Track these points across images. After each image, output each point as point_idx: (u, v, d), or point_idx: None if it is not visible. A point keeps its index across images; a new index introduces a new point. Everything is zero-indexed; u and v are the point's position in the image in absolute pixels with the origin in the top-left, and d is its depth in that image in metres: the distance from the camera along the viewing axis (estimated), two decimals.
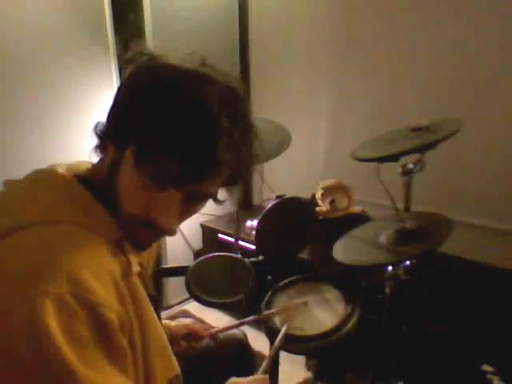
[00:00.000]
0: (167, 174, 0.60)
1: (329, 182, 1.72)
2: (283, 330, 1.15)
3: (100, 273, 0.58)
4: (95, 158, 0.72)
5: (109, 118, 0.67)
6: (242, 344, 1.26)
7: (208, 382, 0.83)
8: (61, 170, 0.68)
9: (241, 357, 1.23)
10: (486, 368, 1.39)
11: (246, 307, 1.41)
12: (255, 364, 1.26)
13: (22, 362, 0.50)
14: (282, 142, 1.55)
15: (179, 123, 0.58)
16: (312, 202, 1.71)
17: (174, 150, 0.59)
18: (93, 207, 0.63)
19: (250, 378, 0.88)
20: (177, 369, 0.71)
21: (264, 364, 1.00)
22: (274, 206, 1.61)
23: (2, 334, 0.51)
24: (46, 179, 0.66)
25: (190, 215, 0.69)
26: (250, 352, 1.28)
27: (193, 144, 0.59)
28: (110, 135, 0.66)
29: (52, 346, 0.51)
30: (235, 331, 1.28)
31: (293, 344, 1.21)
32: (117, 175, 0.65)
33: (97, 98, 2.03)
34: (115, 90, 0.69)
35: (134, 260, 0.66)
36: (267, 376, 0.93)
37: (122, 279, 0.62)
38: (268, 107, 2.56)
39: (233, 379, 0.85)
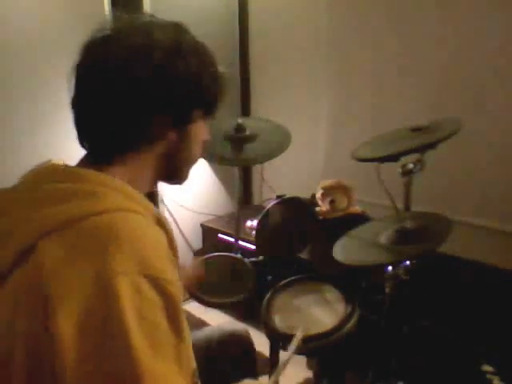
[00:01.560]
0: (214, 110, 0.77)
1: (329, 182, 1.72)
2: (298, 337, 1.14)
3: (163, 252, 0.62)
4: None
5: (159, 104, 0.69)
6: (245, 340, 1.26)
7: (210, 378, 0.83)
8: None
9: (243, 353, 1.23)
10: (486, 368, 1.39)
11: (245, 307, 1.41)
12: (257, 361, 1.26)
13: (93, 333, 0.54)
14: (282, 142, 1.55)
15: (212, 75, 0.75)
16: (312, 202, 1.71)
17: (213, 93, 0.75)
18: (133, 194, 0.68)
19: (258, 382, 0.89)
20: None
21: (278, 370, 1.00)
22: (273, 205, 1.61)
23: (78, 305, 0.54)
24: (90, 177, 0.67)
25: None
26: (252, 349, 1.28)
27: (216, 83, 0.75)
28: (168, 117, 0.71)
29: (121, 322, 0.54)
30: (238, 327, 1.28)
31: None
32: (188, 147, 0.76)
33: None
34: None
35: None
36: None
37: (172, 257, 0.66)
38: (268, 107, 2.57)
39: (248, 380, 0.85)
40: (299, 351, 1.14)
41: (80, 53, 0.71)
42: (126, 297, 0.54)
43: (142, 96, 0.67)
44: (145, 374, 0.53)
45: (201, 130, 0.77)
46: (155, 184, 0.78)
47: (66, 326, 0.54)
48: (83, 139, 0.73)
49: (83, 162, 0.73)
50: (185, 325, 0.61)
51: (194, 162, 0.80)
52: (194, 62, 0.71)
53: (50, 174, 0.69)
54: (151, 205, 0.69)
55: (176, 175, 0.80)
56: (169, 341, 0.58)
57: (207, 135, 0.80)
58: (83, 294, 0.55)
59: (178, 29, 0.73)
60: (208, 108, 0.76)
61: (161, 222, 0.68)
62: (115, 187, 0.66)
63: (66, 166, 0.71)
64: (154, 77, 0.67)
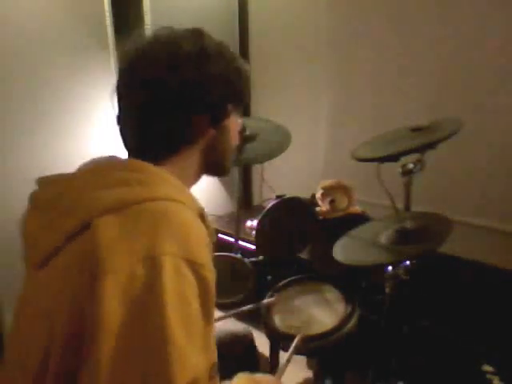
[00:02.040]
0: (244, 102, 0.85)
1: (329, 181, 1.72)
2: (298, 337, 1.15)
3: (204, 242, 0.69)
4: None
5: (194, 102, 0.76)
6: (248, 341, 1.27)
7: None
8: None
9: (246, 353, 1.24)
10: (486, 368, 1.39)
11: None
12: (259, 361, 1.26)
13: (134, 302, 0.59)
14: (282, 142, 1.56)
15: (237, 70, 0.82)
16: (312, 202, 1.71)
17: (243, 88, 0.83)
18: (182, 188, 0.74)
19: (265, 377, 0.92)
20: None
21: (280, 367, 1.02)
22: (273, 205, 1.62)
23: (125, 274, 0.59)
24: (148, 170, 0.72)
25: None
26: (254, 349, 1.28)
27: (241, 76, 0.82)
28: (205, 116, 0.78)
29: (160, 296, 0.59)
30: (240, 328, 1.28)
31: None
32: (227, 139, 0.83)
33: (96, 96, 2.03)
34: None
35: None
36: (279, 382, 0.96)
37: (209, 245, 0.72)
38: (268, 107, 2.57)
39: (242, 374, 0.87)
40: (299, 351, 1.14)
41: (119, 73, 0.79)
42: (169, 274, 0.60)
43: (182, 101, 0.75)
44: (171, 348, 0.58)
45: (235, 122, 0.85)
46: (200, 177, 0.85)
47: (111, 290, 0.58)
48: (130, 148, 0.80)
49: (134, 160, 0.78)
50: (213, 311, 0.67)
51: (233, 152, 0.87)
52: (220, 62, 0.78)
53: (112, 163, 0.75)
54: (197, 200, 0.75)
55: (219, 167, 0.87)
56: (198, 321, 0.63)
57: (240, 125, 0.89)
58: (131, 265, 0.60)
59: (198, 34, 0.80)
60: (238, 101, 0.83)
61: (203, 217, 0.74)
62: (168, 180, 0.72)
63: (127, 158, 0.77)
64: (191, 83, 0.74)
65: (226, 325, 1.30)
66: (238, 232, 1.76)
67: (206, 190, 2.63)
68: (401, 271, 1.31)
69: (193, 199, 0.75)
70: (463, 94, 1.81)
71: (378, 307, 1.37)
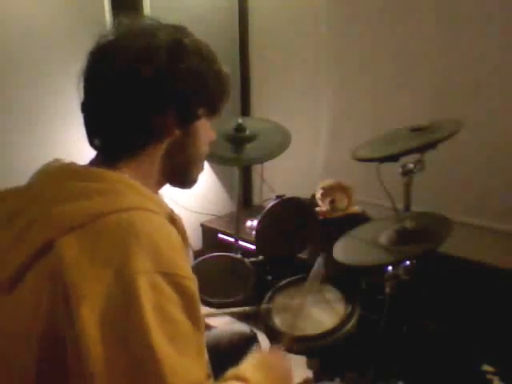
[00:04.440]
0: (219, 109, 0.79)
1: (329, 181, 1.72)
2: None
3: (178, 249, 0.64)
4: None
5: (163, 103, 0.71)
6: (252, 341, 1.26)
7: (217, 378, 0.83)
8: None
9: (249, 354, 1.23)
10: (486, 368, 1.39)
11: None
12: None
13: (115, 326, 0.56)
14: (282, 142, 1.56)
15: (215, 74, 0.77)
16: (312, 202, 1.71)
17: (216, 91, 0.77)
18: (146, 192, 0.70)
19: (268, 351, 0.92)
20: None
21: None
22: (273, 205, 1.61)
23: (100, 300, 0.56)
24: (105, 177, 0.68)
25: None
26: (258, 349, 1.28)
27: (220, 82, 0.78)
28: (172, 116, 0.72)
29: (141, 318, 0.56)
30: (245, 328, 1.28)
31: (293, 344, 1.21)
32: (194, 145, 0.78)
33: None
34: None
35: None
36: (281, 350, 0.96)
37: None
38: (268, 107, 2.57)
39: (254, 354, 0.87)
40: (291, 349, 1.14)
41: (86, 60, 0.73)
42: (145, 294, 0.57)
43: (147, 96, 0.70)
44: (165, 365, 0.56)
45: (205, 129, 0.79)
46: (163, 185, 0.80)
47: (88, 318, 0.55)
48: (93, 140, 0.75)
49: (95, 162, 0.74)
50: (200, 316, 0.64)
51: (199, 161, 0.82)
52: (196, 61, 0.73)
53: (68, 173, 0.70)
54: (165, 203, 0.71)
55: (182, 174, 0.81)
56: (186, 332, 0.60)
57: (213, 135, 0.82)
58: (104, 290, 0.57)
59: (178, 30, 0.75)
60: (212, 106, 0.78)
61: (174, 220, 0.70)
62: (132, 186, 0.68)
63: (83, 165, 0.73)
64: (158, 77, 0.69)
65: (232, 326, 1.30)
66: (238, 232, 1.76)
67: (206, 190, 2.63)
68: (401, 271, 1.31)
69: (159, 203, 0.70)
70: (463, 94, 1.81)
71: (378, 307, 1.37)
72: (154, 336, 0.56)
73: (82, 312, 0.55)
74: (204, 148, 0.81)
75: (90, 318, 0.55)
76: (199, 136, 0.78)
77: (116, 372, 0.55)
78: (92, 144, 0.75)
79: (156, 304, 0.57)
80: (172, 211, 0.71)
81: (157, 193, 0.78)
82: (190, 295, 0.62)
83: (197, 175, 0.83)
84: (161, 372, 0.55)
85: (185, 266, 0.64)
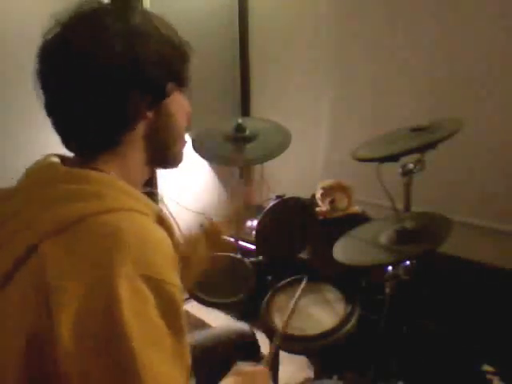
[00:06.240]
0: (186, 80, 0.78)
1: (329, 181, 1.72)
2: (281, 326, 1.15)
3: (164, 252, 0.62)
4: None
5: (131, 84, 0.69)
6: (251, 339, 1.27)
7: (216, 377, 0.83)
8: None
9: (249, 352, 1.24)
10: (486, 368, 1.39)
11: (245, 307, 1.42)
12: (262, 360, 1.26)
13: (93, 332, 0.55)
14: (282, 142, 1.56)
15: (174, 46, 0.75)
16: (312, 202, 1.71)
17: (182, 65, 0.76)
18: (131, 191, 0.68)
19: (253, 367, 0.90)
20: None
21: (265, 359, 1.02)
22: (273, 205, 1.61)
23: (79, 305, 0.55)
24: (87, 177, 0.67)
25: None
26: (257, 348, 1.28)
27: (180, 53, 0.76)
28: (143, 96, 0.71)
29: (120, 323, 0.55)
30: (243, 327, 1.28)
31: (293, 344, 1.21)
32: (171, 122, 0.76)
33: None
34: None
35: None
36: (267, 369, 0.94)
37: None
38: (268, 107, 2.57)
39: (237, 366, 0.87)
40: (291, 349, 1.14)
41: (38, 59, 0.70)
42: (125, 299, 0.55)
43: (110, 84, 0.67)
44: (143, 370, 0.54)
45: (179, 103, 0.77)
46: (150, 170, 0.79)
47: (65, 326, 0.54)
48: (67, 142, 0.73)
49: (76, 161, 0.72)
50: (183, 322, 0.62)
51: (180, 136, 0.80)
52: (148, 38, 0.70)
53: (53, 175, 0.68)
54: (152, 203, 0.69)
55: (166, 155, 0.80)
56: (166, 337, 0.59)
57: (188, 107, 0.80)
58: (85, 295, 0.55)
59: (123, 10, 0.72)
60: (178, 78, 0.76)
61: (161, 220, 0.68)
62: (118, 187, 0.66)
63: (67, 167, 0.70)
64: (114, 65, 0.67)
65: (230, 324, 1.30)
66: (238, 232, 1.76)
67: (206, 190, 2.63)
68: (401, 271, 1.31)
69: (146, 203, 0.68)
70: (463, 94, 1.81)
71: (378, 307, 1.37)
72: (134, 343, 0.55)
73: (60, 317, 0.54)
74: (182, 122, 0.79)
75: (68, 323, 0.54)
76: (174, 111, 0.76)
77: (94, 378, 0.54)
78: (68, 147, 0.74)
79: (136, 310, 0.56)
80: (160, 211, 0.70)
81: (143, 180, 0.77)
82: (170, 301, 0.60)
83: (181, 151, 0.81)
84: (141, 379, 0.54)
85: (169, 271, 0.61)
